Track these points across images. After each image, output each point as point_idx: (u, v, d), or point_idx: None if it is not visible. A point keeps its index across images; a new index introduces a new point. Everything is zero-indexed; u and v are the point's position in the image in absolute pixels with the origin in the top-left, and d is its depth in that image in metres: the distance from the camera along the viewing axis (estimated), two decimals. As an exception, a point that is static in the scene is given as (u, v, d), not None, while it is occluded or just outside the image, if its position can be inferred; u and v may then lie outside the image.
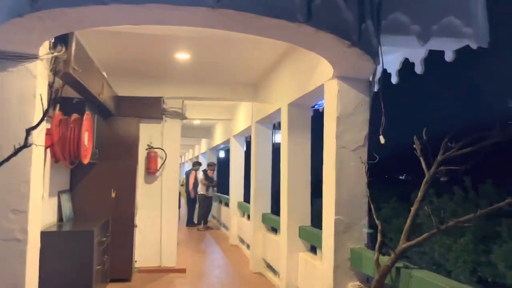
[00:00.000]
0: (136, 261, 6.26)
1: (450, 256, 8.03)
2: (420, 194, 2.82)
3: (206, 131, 13.30)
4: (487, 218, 7.76)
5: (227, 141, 10.44)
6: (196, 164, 12.56)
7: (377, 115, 3.54)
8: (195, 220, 11.95)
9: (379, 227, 2.99)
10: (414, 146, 2.92)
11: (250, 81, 6.64)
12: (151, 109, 6.41)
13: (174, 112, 6.57)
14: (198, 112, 9.18)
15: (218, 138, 11.72)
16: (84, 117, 4.20)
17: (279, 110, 5.45)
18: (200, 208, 11.67)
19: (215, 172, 12.15)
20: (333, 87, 3.56)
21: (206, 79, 6.60)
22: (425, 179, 2.82)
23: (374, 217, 3.05)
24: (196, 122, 11.50)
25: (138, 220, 6.24)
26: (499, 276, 7.39)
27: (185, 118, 6.75)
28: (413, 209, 2.80)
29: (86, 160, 4.38)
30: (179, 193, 13.03)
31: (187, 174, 12.80)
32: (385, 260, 2.83)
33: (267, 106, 6.15)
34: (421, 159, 2.89)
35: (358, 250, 3.38)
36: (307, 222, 4.95)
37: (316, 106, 5.24)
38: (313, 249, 4.92)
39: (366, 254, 3.25)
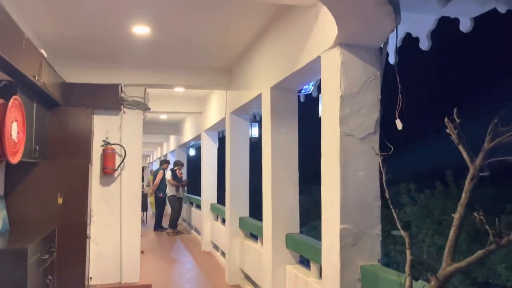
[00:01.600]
0: (91, 278, 5.32)
1: (441, 257, 7.48)
2: (464, 195, 2.05)
3: (174, 127, 12.34)
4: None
5: (198, 137, 9.51)
6: (164, 162, 11.57)
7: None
8: (164, 224, 11.00)
9: (407, 241, 2.21)
10: (447, 131, 2.18)
11: (223, 64, 5.76)
12: (107, 98, 5.42)
13: (134, 101, 5.59)
14: (165, 104, 8.24)
15: (188, 134, 10.76)
16: (10, 103, 3.22)
17: (258, 97, 4.63)
18: (172, 210, 10.71)
19: (184, 171, 11.25)
20: (335, 59, 2.76)
21: (172, 63, 5.68)
22: (470, 175, 2.05)
23: (399, 226, 2.26)
24: (163, 117, 10.54)
25: (92, 229, 5.30)
26: (494, 277, 6.90)
27: (148, 109, 5.79)
28: (456, 216, 2.04)
29: (14, 159, 3.40)
30: (146, 194, 12.14)
31: (155, 173, 11.82)
32: (419, 286, 2.07)
33: (243, 93, 5.30)
34: (461, 147, 2.14)
35: (372, 268, 2.61)
36: (296, 228, 4.15)
37: (303, 91, 4.45)
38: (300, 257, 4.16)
39: (383, 275, 2.48)
